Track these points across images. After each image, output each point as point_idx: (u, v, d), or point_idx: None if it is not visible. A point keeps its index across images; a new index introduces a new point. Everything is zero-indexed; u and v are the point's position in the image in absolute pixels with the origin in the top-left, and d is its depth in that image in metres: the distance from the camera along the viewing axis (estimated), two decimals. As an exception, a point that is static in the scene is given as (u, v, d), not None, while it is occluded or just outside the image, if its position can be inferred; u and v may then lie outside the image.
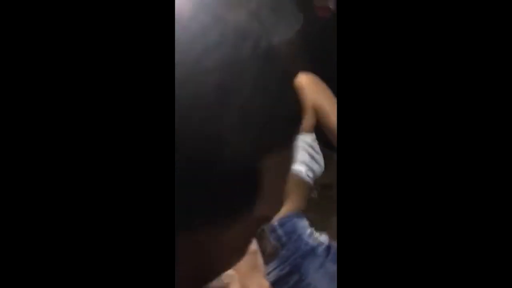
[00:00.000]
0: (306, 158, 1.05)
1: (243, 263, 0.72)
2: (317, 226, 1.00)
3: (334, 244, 0.90)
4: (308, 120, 1.06)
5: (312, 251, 0.89)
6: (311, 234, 0.93)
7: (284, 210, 0.95)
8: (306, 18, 1.50)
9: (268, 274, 0.84)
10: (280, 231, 0.92)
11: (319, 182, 1.13)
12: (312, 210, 1.08)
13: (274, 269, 0.89)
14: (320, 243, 0.91)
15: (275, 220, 0.91)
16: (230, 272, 0.77)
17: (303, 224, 0.94)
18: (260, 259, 0.77)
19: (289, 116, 0.50)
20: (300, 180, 1.04)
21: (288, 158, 0.51)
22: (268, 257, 0.86)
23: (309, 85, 1.10)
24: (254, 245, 0.75)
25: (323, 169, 1.08)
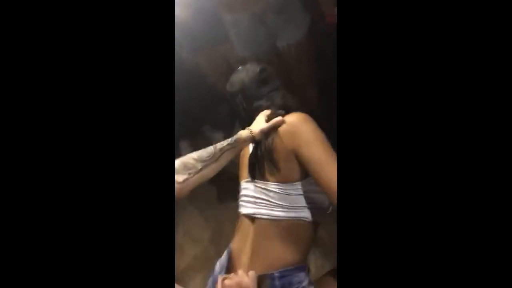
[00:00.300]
0: (305, 203, 1.00)
1: None
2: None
3: None
4: (292, 169, 0.99)
5: None
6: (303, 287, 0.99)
7: (288, 261, 0.98)
8: (313, 22, 1.47)
9: None
10: (277, 282, 0.96)
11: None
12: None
13: None
14: None
15: (277, 271, 0.96)
16: None
17: (300, 279, 0.97)
18: None
19: None
20: (305, 227, 1.01)
21: None
22: None
23: (291, 130, 1.00)
24: (251, 284, 0.88)
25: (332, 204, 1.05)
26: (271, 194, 1.00)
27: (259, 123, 1.03)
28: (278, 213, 0.99)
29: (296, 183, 0.99)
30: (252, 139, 1.03)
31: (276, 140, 1.00)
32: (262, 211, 1.01)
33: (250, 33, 1.51)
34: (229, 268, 1.06)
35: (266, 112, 1.06)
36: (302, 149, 0.95)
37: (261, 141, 1.03)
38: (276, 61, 1.57)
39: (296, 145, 0.96)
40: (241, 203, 1.10)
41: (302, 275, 0.99)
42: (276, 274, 0.96)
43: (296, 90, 1.68)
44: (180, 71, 1.93)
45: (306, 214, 1.00)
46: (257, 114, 1.08)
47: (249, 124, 1.07)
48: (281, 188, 0.99)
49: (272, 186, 1.00)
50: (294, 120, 1.01)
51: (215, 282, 0.98)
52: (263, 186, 1.02)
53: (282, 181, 0.99)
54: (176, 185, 0.91)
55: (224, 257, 1.09)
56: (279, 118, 1.02)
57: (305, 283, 0.98)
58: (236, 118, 1.16)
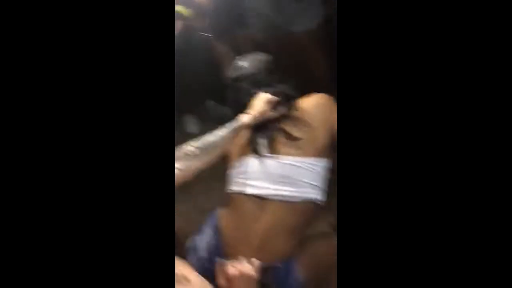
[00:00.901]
0: (320, 182, 1.04)
1: (240, 281, 0.87)
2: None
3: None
4: (323, 141, 1.04)
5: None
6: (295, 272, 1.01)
7: (291, 252, 1.00)
8: (327, 14, 1.53)
9: None
10: (281, 272, 0.99)
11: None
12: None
13: None
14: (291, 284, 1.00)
15: (281, 262, 0.99)
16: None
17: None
18: (254, 286, 0.89)
19: None
20: (311, 212, 1.04)
21: None
22: (263, 286, 0.94)
23: (329, 105, 1.08)
24: (255, 275, 0.89)
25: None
26: (289, 168, 1.01)
27: (259, 107, 1.05)
28: (294, 193, 1.00)
29: (320, 159, 1.03)
30: (253, 122, 1.04)
31: (304, 114, 1.05)
32: (276, 192, 1.00)
33: (267, 18, 1.57)
34: (224, 253, 1.03)
35: (267, 96, 1.07)
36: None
37: (276, 117, 1.06)
38: (291, 46, 1.63)
39: (332, 118, 1.04)
40: (245, 182, 1.05)
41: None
42: (281, 267, 0.99)
43: (309, 75, 1.74)
44: (188, 48, 1.97)
45: (317, 196, 1.03)
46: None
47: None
48: (304, 163, 1.01)
49: (293, 159, 1.01)
50: (326, 96, 1.10)
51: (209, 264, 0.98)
52: (283, 161, 1.01)
53: (305, 155, 1.02)
54: (178, 172, 0.94)
55: (212, 238, 1.06)
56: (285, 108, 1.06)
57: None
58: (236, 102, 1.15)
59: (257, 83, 1.11)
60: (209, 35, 1.78)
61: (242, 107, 1.09)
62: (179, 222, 0.73)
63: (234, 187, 1.07)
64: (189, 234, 1.06)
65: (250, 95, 1.10)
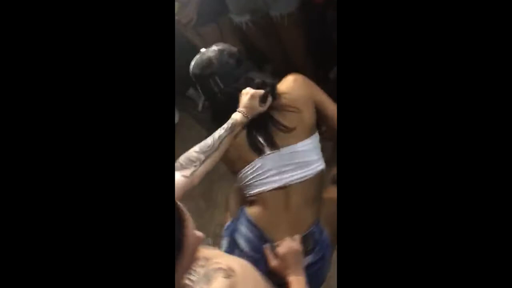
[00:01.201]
0: (319, 153, 1.13)
1: (290, 257, 1.01)
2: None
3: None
4: (310, 120, 1.12)
5: (328, 246, 1.14)
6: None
7: (317, 215, 1.13)
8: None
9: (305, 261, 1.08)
10: (317, 234, 1.12)
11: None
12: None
13: (310, 257, 1.11)
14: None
15: (314, 226, 1.12)
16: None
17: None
18: (302, 257, 1.04)
19: None
20: (321, 181, 1.14)
21: None
22: (307, 252, 1.09)
23: (304, 83, 1.15)
24: (300, 246, 1.04)
25: None
26: (294, 155, 1.08)
27: (248, 102, 1.04)
28: (307, 171, 1.08)
29: (313, 136, 1.11)
30: (247, 119, 1.04)
31: (289, 99, 1.09)
32: (292, 178, 1.08)
33: (246, 1, 1.59)
34: (267, 240, 1.09)
35: (252, 91, 1.06)
36: (321, 96, 1.15)
37: (262, 112, 1.06)
38: (269, 29, 1.66)
39: (314, 92, 1.14)
40: (261, 182, 1.10)
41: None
42: (315, 229, 1.11)
43: (286, 59, 1.75)
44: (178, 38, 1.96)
45: (323, 165, 1.13)
46: (237, 95, 1.08)
47: (226, 105, 1.07)
48: (304, 145, 1.08)
49: (294, 147, 1.07)
50: (300, 76, 1.16)
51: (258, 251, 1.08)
52: (286, 152, 1.08)
53: (301, 139, 1.09)
54: (185, 179, 0.94)
55: (249, 231, 1.11)
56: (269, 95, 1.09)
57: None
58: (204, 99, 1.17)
59: (228, 77, 1.10)
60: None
61: (214, 105, 1.14)
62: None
63: (252, 190, 1.12)
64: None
65: (221, 92, 1.10)
